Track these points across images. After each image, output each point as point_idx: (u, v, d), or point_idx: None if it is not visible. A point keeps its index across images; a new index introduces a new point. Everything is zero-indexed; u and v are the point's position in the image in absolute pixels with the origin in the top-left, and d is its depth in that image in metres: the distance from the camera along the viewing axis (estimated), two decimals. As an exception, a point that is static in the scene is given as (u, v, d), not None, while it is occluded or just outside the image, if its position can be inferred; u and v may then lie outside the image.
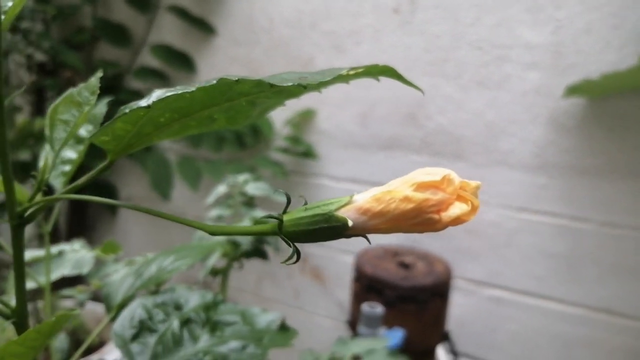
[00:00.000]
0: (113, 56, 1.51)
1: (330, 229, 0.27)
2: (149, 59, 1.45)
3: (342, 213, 0.27)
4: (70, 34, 1.51)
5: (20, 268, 0.32)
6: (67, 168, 0.49)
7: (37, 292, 1.12)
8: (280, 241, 0.67)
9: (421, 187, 0.26)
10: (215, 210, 0.67)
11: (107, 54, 1.52)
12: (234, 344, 0.43)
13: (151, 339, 0.44)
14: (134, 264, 0.58)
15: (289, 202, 0.29)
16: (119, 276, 0.52)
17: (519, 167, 1.14)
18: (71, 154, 0.49)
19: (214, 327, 0.46)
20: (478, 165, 1.17)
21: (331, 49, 1.29)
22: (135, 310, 0.46)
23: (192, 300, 0.48)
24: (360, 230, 0.27)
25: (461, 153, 1.19)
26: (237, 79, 0.26)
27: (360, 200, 0.27)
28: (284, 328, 0.47)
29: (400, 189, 0.26)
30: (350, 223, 0.26)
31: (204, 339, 0.44)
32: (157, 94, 0.27)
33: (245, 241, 0.63)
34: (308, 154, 1.33)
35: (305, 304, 1.41)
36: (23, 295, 0.33)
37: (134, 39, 1.47)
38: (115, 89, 1.47)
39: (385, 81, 1.29)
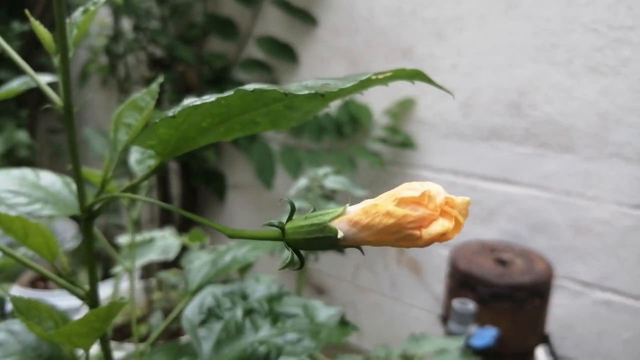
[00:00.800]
0: (221, 49, 1.58)
1: (324, 239, 0.27)
2: (254, 51, 1.51)
3: (335, 224, 0.26)
4: (183, 30, 1.61)
5: (90, 256, 0.36)
6: (152, 162, 0.53)
7: (148, 270, 1.22)
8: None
9: (402, 202, 0.25)
10: (296, 202, 0.68)
11: (216, 47, 1.60)
12: (290, 336, 0.44)
13: (217, 326, 0.47)
14: (216, 252, 0.62)
15: (293, 210, 0.29)
16: (198, 263, 0.56)
17: (636, 160, 1.03)
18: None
19: (275, 318, 0.47)
20: (589, 158, 1.09)
21: (432, 36, 1.25)
22: (205, 298, 0.49)
23: (258, 291, 0.50)
24: (351, 242, 0.27)
25: (570, 145, 1.11)
26: (253, 89, 0.27)
27: (352, 212, 0.27)
28: (343, 323, 0.47)
29: (384, 203, 0.26)
30: (340, 234, 0.26)
31: (265, 329, 0.46)
32: (188, 101, 0.29)
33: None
34: (406, 144, 1.31)
35: (402, 295, 1.40)
36: (95, 279, 0.37)
37: (240, 32, 1.53)
38: (223, 81, 1.55)
39: (488, 68, 1.24)
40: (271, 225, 0.28)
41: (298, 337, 0.44)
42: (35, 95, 2.08)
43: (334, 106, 1.39)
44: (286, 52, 1.45)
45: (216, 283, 0.54)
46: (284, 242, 0.28)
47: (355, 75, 0.28)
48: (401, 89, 1.31)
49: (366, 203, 0.26)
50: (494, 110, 1.19)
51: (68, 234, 1.60)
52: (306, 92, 0.26)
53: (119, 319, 1.28)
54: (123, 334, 1.19)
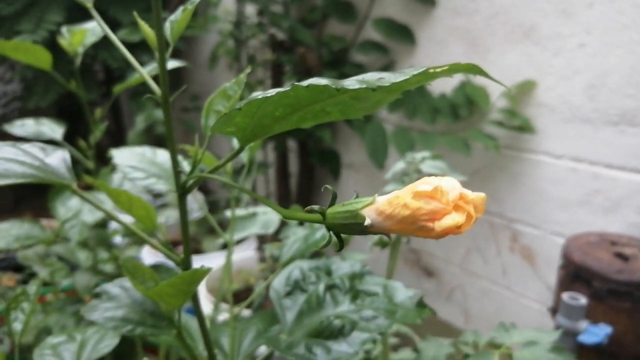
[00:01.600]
0: (340, 31, 1.61)
1: (356, 225, 0.28)
2: (371, 33, 1.52)
3: (365, 212, 0.28)
4: (304, 13, 1.66)
5: (185, 228, 0.41)
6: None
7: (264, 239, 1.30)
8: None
9: (417, 195, 0.26)
10: (390, 185, 0.70)
11: (334, 30, 1.64)
12: (366, 313, 0.47)
13: (301, 298, 0.51)
14: (310, 228, 0.65)
15: (334, 197, 0.31)
16: (293, 239, 0.60)
17: None
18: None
19: (355, 295, 0.50)
20: None
21: (557, 13, 1.18)
22: (293, 271, 0.53)
23: (343, 268, 0.53)
24: (378, 230, 0.28)
25: None
26: (307, 84, 0.29)
27: (379, 202, 0.28)
28: (420, 305, 0.48)
29: (404, 195, 0.27)
30: (367, 221, 0.28)
31: (344, 305, 0.49)
32: (257, 94, 0.32)
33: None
34: (524, 127, 1.25)
35: (513, 284, 1.35)
36: (188, 248, 0.42)
37: (358, 14, 1.55)
38: (341, 63, 1.58)
39: (621, 47, 1.15)
40: (312, 211, 0.30)
41: (373, 315, 0.46)
42: (172, 77, 2.27)
43: (449, 87, 1.37)
44: (403, 34, 1.45)
45: (306, 258, 0.58)
46: (325, 226, 0.31)
47: (411, 69, 0.29)
48: (521, 71, 1.25)
49: (393, 194, 0.28)
50: (626, 92, 1.10)
51: (195, 205, 1.75)
52: (356, 86, 0.28)
53: (236, 285, 1.39)
54: (239, 298, 1.30)
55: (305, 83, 0.29)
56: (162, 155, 0.61)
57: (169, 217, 1.53)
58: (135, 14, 0.44)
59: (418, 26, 1.44)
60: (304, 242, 0.59)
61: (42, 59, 0.88)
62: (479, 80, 1.32)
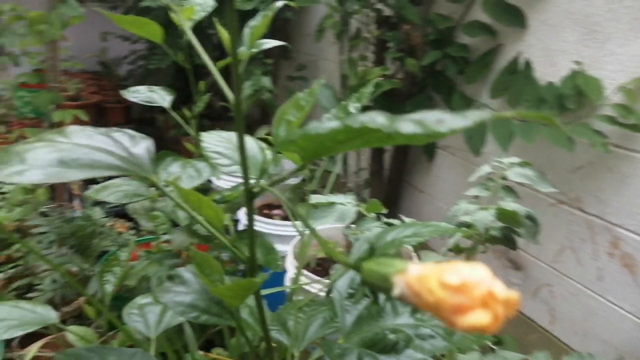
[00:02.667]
0: (447, 10, 1.55)
1: (386, 289, 0.28)
2: (479, 14, 1.45)
3: (396, 279, 0.27)
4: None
5: (251, 228, 0.43)
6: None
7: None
8: (538, 231, 0.64)
9: (443, 285, 0.25)
10: (473, 189, 0.68)
11: (442, 8, 1.57)
12: (424, 331, 0.47)
13: (363, 303, 0.51)
14: (383, 228, 0.65)
15: (373, 249, 0.30)
16: (363, 239, 0.60)
17: None
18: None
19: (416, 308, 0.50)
20: None
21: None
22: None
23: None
24: (406, 300, 0.27)
25: None
26: (360, 125, 0.29)
27: (411, 273, 0.27)
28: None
29: (433, 278, 0.26)
30: (397, 291, 0.27)
31: (403, 317, 0.49)
32: (315, 125, 0.32)
33: (493, 226, 0.63)
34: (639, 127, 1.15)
35: (607, 292, 1.27)
36: (253, 247, 0.44)
37: (467, -8, 1.48)
38: (446, 43, 1.52)
39: None
40: (347, 264, 0.30)
41: (430, 334, 0.46)
42: (279, 46, 2.31)
43: (559, 75, 1.28)
44: (513, 16, 1.36)
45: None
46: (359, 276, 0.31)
47: (473, 112, 0.28)
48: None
49: (426, 268, 0.27)
50: None
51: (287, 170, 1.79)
52: (412, 131, 0.27)
53: (321, 254, 1.43)
54: (323, 267, 1.34)
55: (357, 123, 0.29)
56: (249, 142, 0.63)
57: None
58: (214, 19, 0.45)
59: (530, 8, 1.35)
60: (375, 242, 0.59)
61: (154, 32, 0.93)
62: (593, 69, 1.22)
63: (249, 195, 0.42)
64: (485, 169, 0.69)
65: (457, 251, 0.68)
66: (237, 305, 0.44)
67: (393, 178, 1.72)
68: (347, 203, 0.69)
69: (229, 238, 0.44)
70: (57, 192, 1.40)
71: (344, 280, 0.53)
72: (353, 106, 0.54)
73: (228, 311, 0.46)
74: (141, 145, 0.48)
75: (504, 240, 0.64)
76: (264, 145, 0.70)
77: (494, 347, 0.76)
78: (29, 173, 0.40)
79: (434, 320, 0.48)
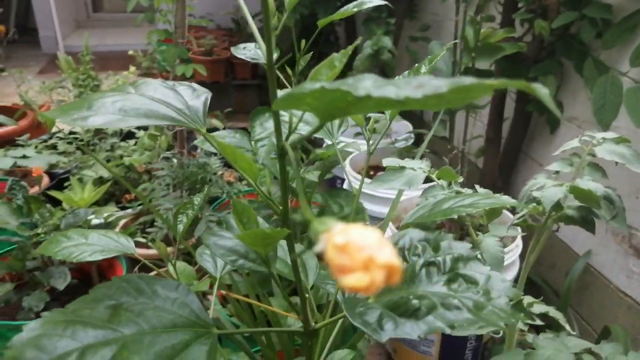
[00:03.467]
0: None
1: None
2: (628, -32, 1.28)
3: (322, 236, 0.27)
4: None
5: (284, 182, 0.44)
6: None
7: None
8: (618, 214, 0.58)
9: (332, 245, 0.24)
10: (555, 164, 0.62)
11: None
12: (452, 301, 0.46)
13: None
14: (459, 194, 0.63)
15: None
16: (422, 205, 0.59)
17: None
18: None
19: (454, 278, 0.48)
20: None
21: None
22: (403, 238, 0.53)
23: (453, 248, 0.51)
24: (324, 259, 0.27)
25: None
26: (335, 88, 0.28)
27: (331, 233, 0.27)
28: (518, 308, 0.45)
29: (330, 239, 0.26)
30: (317, 248, 0.27)
31: (437, 286, 0.48)
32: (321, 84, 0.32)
33: (571, 205, 0.58)
34: None
35: None
36: (286, 202, 0.45)
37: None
38: (583, 3, 1.38)
39: None
40: (306, 219, 0.30)
41: (457, 305, 0.45)
42: (403, 6, 2.25)
43: None
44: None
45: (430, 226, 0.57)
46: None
47: (463, 78, 0.26)
48: None
49: (337, 229, 0.26)
50: None
51: (402, 135, 1.77)
52: (388, 95, 0.26)
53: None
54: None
55: (334, 86, 0.29)
56: None
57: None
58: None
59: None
60: (429, 209, 0.58)
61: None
62: None
63: (280, 152, 0.43)
64: (574, 143, 0.63)
65: (527, 226, 0.63)
66: (263, 253, 0.46)
67: (510, 148, 1.62)
68: (418, 168, 0.68)
69: (264, 193, 0.46)
70: (179, 139, 1.53)
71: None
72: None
73: (263, 259, 0.49)
74: (200, 99, 0.51)
75: (580, 221, 0.58)
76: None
77: (566, 329, 0.71)
78: (92, 119, 0.45)
79: (467, 292, 0.47)
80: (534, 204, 0.57)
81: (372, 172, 1.72)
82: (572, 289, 1.40)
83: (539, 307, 0.79)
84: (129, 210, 1.56)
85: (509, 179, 1.71)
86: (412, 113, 2.31)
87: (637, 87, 1.21)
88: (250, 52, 1.11)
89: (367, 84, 0.29)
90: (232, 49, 1.10)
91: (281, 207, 0.45)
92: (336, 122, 0.67)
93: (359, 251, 0.25)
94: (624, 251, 1.37)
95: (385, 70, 1.84)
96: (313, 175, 1.04)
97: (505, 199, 0.56)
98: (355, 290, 0.25)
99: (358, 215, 1.11)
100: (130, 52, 2.26)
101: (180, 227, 0.67)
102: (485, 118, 1.69)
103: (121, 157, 1.65)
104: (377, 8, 1.94)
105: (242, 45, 1.12)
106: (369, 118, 0.78)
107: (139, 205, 1.54)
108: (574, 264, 1.44)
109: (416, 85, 0.28)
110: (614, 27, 1.32)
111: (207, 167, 1.35)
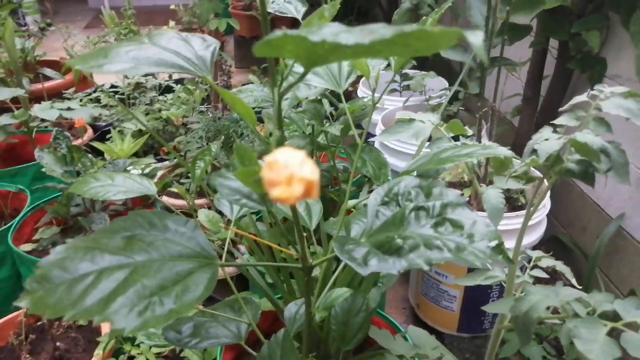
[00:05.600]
0: None
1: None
2: None
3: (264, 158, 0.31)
4: None
5: (280, 124, 0.48)
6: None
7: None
8: (615, 167, 0.58)
9: (266, 163, 0.27)
10: (561, 117, 0.62)
11: None
12: (435, 242, 0.48)
13: (393, 210, 0.54)
14: (464, 145, 0.65)
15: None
16: (423, 154, 0.61)
17: None
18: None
19: (441, 222, 0.51)
20: None
21: None
22: (398, 184, 0.56)
23: (444, 194, 0.54)
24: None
25: None
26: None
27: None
28: (497, 250, 0.47)
29: (268, 157, 0.29)
30: (260, 175, 0.30)
31: (424, 228, 0.51)
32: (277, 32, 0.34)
33: (571, 158, 0.58)
34: None
35: None
36: (281, 131, 0.49)
37: None
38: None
39: None
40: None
41: (438, 246, 0.48)
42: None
43: None
44: None
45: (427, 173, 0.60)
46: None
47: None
48: None
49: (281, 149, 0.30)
50: None
51: (436, 92, 1.76)
52: (347, 42, 0.29)
53: (449, 177, 1.42)
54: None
55: (301, 33, 0.31)
56: None
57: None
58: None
59: None
60: (430, 157, 0.60)
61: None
62: None
63: (279, 96, 0.46)
64: (581, 98, 0.63)
65: (527, 180, 0.64)
66: (258, 191, 0.49)
67: (548, 107, 1.58)
68: (427, 121, 0.69)
69: (264, 137, 0.49)
70: (213, 94, 1.57)
71: (384, 188, 0.55)
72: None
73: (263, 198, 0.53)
74: (209, 49, 0.54)
75: (581, 175, 0.59)
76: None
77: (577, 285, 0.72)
78: (107, 66, 0.49)
79: (452, 235, 0.49)
80: (534, 157, 0.58)
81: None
82: (601, 251, 1.39)
83: (546, 261, 0.80)
84: (167, 162, 1.64)
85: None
86: (450, 69, 2.27)
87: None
88: (279, 5, 1.13)
89: (325, 32, 0.31)
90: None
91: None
92: (344, 69, 0.69)
93: (283, 168, 0.29)
94: None
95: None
96: (336, 129, 1.07)
97: (502, 151, 0.57)
98: (279, 200, 0.29)
99: (381, 170, 1.13)
100: (172, 7, 2.30)
101: (198, 172, 0.71)
102: (524, 75, 1.66)
103: (159, 110, 1.72)
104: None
105: (271, -1, 1.14)
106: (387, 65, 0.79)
107: (175, 158, 1.61)
108: (607, 226, 1.42)
109: (367, 32, 0.31)
110: (664, -21, 1.26)
111: (240, 121, 1.40)
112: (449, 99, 1.88)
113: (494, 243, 0.48)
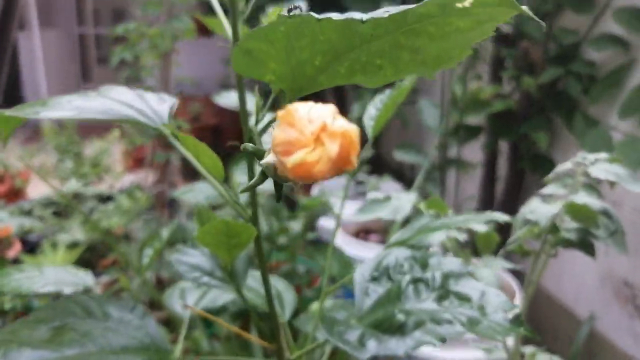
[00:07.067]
0: (573, 24, 1.43)
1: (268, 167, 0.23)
2: (610, 25, 1.31)
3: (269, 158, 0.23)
4: (536, 4, 1.51)
5: (251, 178, 0.40)
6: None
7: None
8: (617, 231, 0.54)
9: (282, 119, 0.19)
10: (549, 186, 0.58)
11: (567, 22, 1.45)
12: (444, 315, 0.40)
13: (385, 286, 0.46)
14: (434, 218, 0.59)
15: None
16: (407, 228, 0.55)
17: None
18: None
19: (444, 295, 0.43)
20: None
21: None
22: (387, 257, 0.48)
23: (443, 264, 0.46)
24: (279, 170, 0.22)
25: None
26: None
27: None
28: (517, 322, 0.40)
29: (280, 111, 0.20)
30: (267, 160, 0.22)
31: (426, 303, 0.43)
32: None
33: (567, 227, 0.53)
34: None
35: None
36: (255, 208, 0.41)
37: (597, 3, 1.35)
38: (569, 59, 1.40)
39: None
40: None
41: (448, 319, 0.39)
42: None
43: None
44: (652, 25, 1.21)
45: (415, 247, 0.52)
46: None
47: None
48: None
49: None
50: None
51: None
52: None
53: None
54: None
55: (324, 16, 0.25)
56: None
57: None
58: None
59: (673, 16, 1.19)
60: (415, 230, 0.53)
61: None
62: None
63: (248, 139, 0.39)
64: (566, 165, 0.60)
65: (523, 254, 0.59)
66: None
67: (504, 209, 1.58)
68: (403, 198, 0.64)
69: (233, 199, 0.42)
70: (158, 200, 1.49)
71: (370, 263, 0.48)
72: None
73: (231, 277, 0.43)
74: (166, 104, 0.48)
75: (579, 244, 0.53)
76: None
77: None
78: (44, 112, 0.42)
79: (460, 307, 0.41)
80: (529, 227, 0.53)
81: (362, 234, 1.66)
82: (578, 358, 1.32)
83: (542, 357, 0.72)
84: (105, 277, 1.49)
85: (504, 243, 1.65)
86: (403, 175, 2.30)
87: (629, 139, 1.20)
88: (234, 99, 1.09)
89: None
90: (216, 97, 1.09)
91: (250, 211, 0.41)
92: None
93: (309, 123, 0.20)
94: (628, 313, 1.30)
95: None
96: (297, 224, 1.00)
97: (483, 217, 0.52)
98: (302, 170, 0.20)
99: (346, 270, 1.05)
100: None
101: (146, 260, 0.61)
102: (478, 179, 1.67)
103: (98, 220, 1.60)
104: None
105: (225, 94, 1.11)
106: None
107: (116, 271, 1.48)
108: (578, 328, 1.36)
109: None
110: (599, 82, 1.33)
111: (184, 228, 1.30)
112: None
113: (511, 314, 0.41)
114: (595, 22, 1.35)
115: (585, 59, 1.39)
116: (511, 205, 1.59)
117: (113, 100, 0.45)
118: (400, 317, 0.40)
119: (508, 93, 1.54)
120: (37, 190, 2.14)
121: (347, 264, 1.04)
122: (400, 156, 1.53)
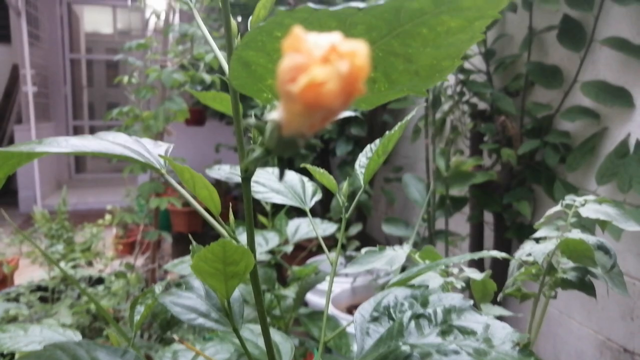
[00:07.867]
0: (544, 98, 1.50)
1: (273, 131, 0.23)
2: (580, 98, 1.38)
3: (273, 115, 0.23)
4: (507, 81, 1.59)
5: (249, 209, 0.40)
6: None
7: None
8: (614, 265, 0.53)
9: (285, 49, 0.19)
10: (542, 230, 0.59)
11: (538, 97, 1.52)
12: (450, 347, 0.39)
13: (385, 325, 0.45)
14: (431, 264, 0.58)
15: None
16: (411, 269, 0.54)
17: None
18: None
19: (448, 330, 0.42)
20: None
21: None
22: (386, 297, 0.48)
23: (443, 300, 0.45)
24: (286, 124, 0.22)
25: None
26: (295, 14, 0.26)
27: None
28: (527, 353, 0.38)
29: (285, 39, 0.20)
30: (273, 116, 0.22)
31: (429, 338, 0.41)
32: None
33: (565, 268, 0.53)
34: None
35: None
36: (252, 235, 0.40)
37: (565, 79, 1.43)
38: (544, 131, 1.45)
39: None
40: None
41: (455, 350, 0.38)
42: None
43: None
44: (618, 97, 1.27)
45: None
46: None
47: None
48: None
49: None
50: None
51: (383, 271, 1.72)
52: None
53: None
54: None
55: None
56: (290, 176, 0.63)
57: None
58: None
59: (637, 87, 1.26)
60: (413, 272, 0.52)
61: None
62: None
63: (244, 176, 0.39)
64: (556, 208, 0.61)
65: (521, 298, 0.58)
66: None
67: (494, 276, 1.58)
68: (398, 249, 0.63)
69: (229, 228, 0.41)
70: (150, 279, 1.45)
71: (370, 303, 0.47)
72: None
73: (228, 318, 0.42)
74: (162, 148, 0.49)
75: (578, 284, 0.53)
76: (305, 178, 0.68)
77: None
78: (40, 148, 0.42)
79: (465, 340, 0.40)
80: (526, 267, 0.53)
81: (354, 311, 1.63)
82: None
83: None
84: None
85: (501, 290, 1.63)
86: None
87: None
88: (225, 173, 1.10)
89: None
90: (207, 170, 1.10)
91: (247, 241, 0.40)
92: (309, 188, 0.64)
93: (316, 47, 0.19)
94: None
95: (363, 210, 1.84)
96: (291, 292, 0.97)
97: (495, 252, 0.51)
98: (313, 90, 0.18)
99: (341, 339, 1.02)
100: (109, 207, 2.25)
101: (137, 318, 0.59)
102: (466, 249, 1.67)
103: (87, 303, 1.55)
104: (352, 152, 2.01)
105: (217, 167, 1.12)
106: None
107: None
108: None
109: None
110: (575, 151, 1.38)
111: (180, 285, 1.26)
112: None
113: (520, 345, 0.39)
114: (566, 96, 1.42)
115: (559, 130, 1.45)
116: (499, 273, 1.58)
117: (109, 142, 0.45)
118: (406, 348, 0.39)
119: (489, 166, 1.58)
120: (23, 277, 2.09)
121: (341, 334, 1.00)
122: (389, 229, 1.53)
